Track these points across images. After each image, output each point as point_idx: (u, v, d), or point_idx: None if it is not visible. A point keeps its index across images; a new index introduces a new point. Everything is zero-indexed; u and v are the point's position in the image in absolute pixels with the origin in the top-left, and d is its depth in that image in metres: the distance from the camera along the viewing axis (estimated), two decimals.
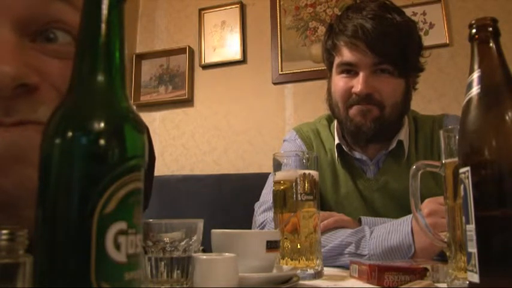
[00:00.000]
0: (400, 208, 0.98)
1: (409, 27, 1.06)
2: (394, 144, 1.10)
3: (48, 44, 0.47)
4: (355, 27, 1.03)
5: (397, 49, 1.02)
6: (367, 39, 1.01)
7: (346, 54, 1.06)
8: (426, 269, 0.65)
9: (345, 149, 1.13)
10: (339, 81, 1.09)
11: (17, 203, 0.45)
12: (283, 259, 0.75)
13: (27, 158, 0.43)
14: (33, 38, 0.47)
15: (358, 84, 1.03)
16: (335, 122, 1.19)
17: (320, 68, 2.05)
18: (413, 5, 2.08)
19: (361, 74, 1.04)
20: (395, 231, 0.86)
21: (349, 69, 1.07)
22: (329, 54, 1.13)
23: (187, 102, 2.42)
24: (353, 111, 1.06)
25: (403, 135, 1.11)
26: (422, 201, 0.70)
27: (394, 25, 1.02)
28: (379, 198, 1.09)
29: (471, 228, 0.45)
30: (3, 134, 0.43)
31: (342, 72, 1.09)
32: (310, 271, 0.73)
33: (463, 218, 0.47)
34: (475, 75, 0.48)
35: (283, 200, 0.77)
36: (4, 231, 0.30)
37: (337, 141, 1.14)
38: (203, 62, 2.42)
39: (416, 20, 1.96)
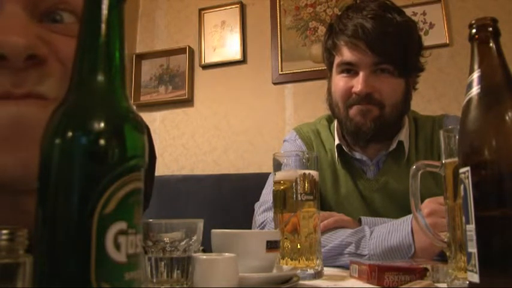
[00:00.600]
0: (400, 208, 0.98)
1: (409, 27, 1.06)
2: (394, 145, 1.10)
3: (54, 24, 0.49)
4: (355, 26, 1.03)
5: (397, 49, 1.03)
6: (367, 39, 1.01)
7: (346, 54, 1.06)
8: (426, 269, 0.65)
9: (345, 149, 1.13)
10: (339, 81, 1.09)
11: (18, 186, 0.45)
12: (283, 259, 0.75)
13: (32, 137, 0.43)
14: (40, 18, 0.48)
15: (358, 84, 1.03)
16: (335, 122, 1.19)
17: (320, 68, 2.05)
18: (413, 5, 2.08)
19: (361, 74, 1.04)
20: (395, 231, 0.86)
21: (349, 69, 1.07)
22: (329, 54, 1.13)
23: (187, 102, 2.42)
24: (353, 111, 1.06)
25: (404, 135, 1.11)
26: (422, 201, 0.70)
27: (394, 25, 1.02)
28: (379, 199, 1.09)
29: (471, 228, 0.45)
30: (11, 107, 0.44)
31: (342, 72, 1.09)
32: (310, 271, 0.73)
33: (463, 218, 0.47)
34: (475, 75, 0.48)
35: (283, 200, 0.77)
36: (4, 231, 0.30)
37: (337, 141, 1.14)
38: (203, 62, 2.42)
39: (416, 20, 1.96)
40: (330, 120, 1.23)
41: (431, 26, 2.06)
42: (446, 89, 2.00)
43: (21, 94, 0.45)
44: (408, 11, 1.65)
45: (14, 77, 0.44)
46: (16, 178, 0.44)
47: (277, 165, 0.80)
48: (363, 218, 0.97)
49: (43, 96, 0.46)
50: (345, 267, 0.85)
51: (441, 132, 0.62)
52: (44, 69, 0.46)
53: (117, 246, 0.28)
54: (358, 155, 1.13)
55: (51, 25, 0.49)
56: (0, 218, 0.46)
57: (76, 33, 0.47)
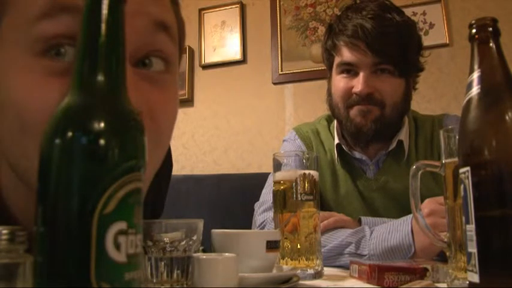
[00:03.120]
0: (400, 208, 0.98)
1: (408, 27, 1.06)
2: (394, 144, 1.10)
3: (142, 70, 0.49)
4: (355, 27, 1.03)
5: (397, 49, 1.03)
6: (367, 39, 1.01)
7: (346, 54, 1.06)
8: (426, 269, 0.65)
9: (344, 148, 1.13)
10: (339, 82, 1.09)
11: None
12: (283, 259, 0.75)
13: None
14: (135, 63, 0.48)
15: (358, 84, 1.03)
16: (335, 121, 1.19)
17: (320, 68, 2.05)
18: (413, 5, 2.08)
19: (361, 74, 1.04)
20: (395, 231, 0.86)
21: (349, 69, 1.07)
22: (329, 54, 1.13)
23: (187, 102, 2.41)
24: (353, 111, 1.06)
25: (403, 135, 1.11)
26: (422, 201, 0.70)
27: (394, 25, 1.02)
28: (379, 198, 1.09)
29: (471, 228, 0.45)
30: None
31: (342, 72, 1.09)
32: (310, 271, 0.73)
33: (463, 218, 0.47)
34: (475, 75, 0.48)
35: (283, 200, 0.77)
36: (4, 231, 0.30)
37: (337, 141, 1.14)
38: (203, 62, 2.42)
39: (416, 20, 1.96)
40: (329, 120, 1.23)
41: (431, 26, 2.06)
42: (446, 89, 2.00)
43: None
44: (408, 11, 1.65)
45: None
46: None
47: (277, 165, 0.80)
48: (363, 218, 0.97)
49: None
50: (345, 267, 0.85)
51: (441, 132, 0.62)
52: None
53: (117, 246, 0.28)
54: (357, 155, 1.13)
55: (140, 70, 0.48)
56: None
57: (164, 84, 0.49)
